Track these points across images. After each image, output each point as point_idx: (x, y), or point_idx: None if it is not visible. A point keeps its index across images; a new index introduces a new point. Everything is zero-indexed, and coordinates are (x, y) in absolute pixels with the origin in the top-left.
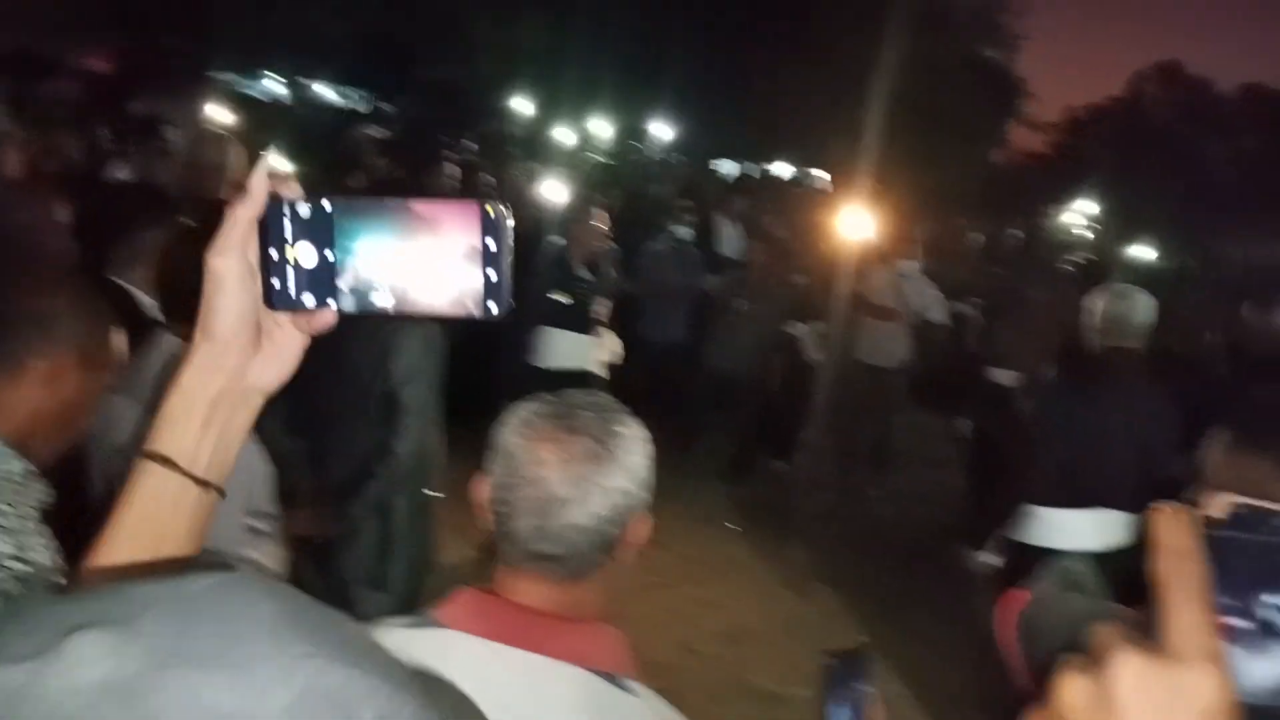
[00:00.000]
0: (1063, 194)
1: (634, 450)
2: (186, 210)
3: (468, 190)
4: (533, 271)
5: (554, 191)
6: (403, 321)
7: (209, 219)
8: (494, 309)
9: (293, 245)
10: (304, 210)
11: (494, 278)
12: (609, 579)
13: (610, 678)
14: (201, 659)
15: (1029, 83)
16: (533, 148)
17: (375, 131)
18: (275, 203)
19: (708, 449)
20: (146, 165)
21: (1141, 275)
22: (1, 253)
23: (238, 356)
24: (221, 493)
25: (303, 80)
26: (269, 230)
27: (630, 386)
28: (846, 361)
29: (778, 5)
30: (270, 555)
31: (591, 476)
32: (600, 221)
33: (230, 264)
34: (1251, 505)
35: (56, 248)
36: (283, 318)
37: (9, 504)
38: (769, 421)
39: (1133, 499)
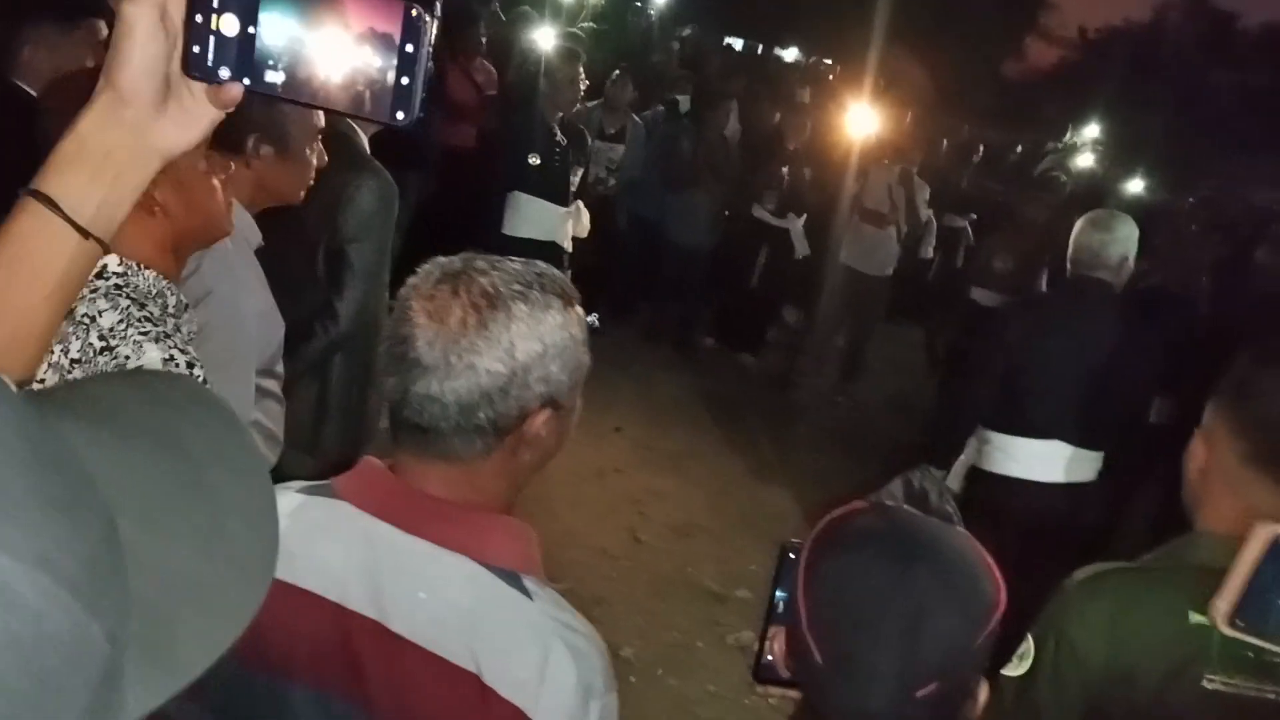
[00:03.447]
0: (1073, 114)
1: (528, 334)
2: None
3: (462, 33)
4: (513, 132)
5: (545, 41)
6: (357, 173)
7: None
8: (401, 116)
9: (219, 14)
10: None
11: (406, 83)
12: (512, 470)
13: (506, 575)
14: None
15: None
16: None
17: None
18: None
19: (674, 334)
20: None
21: (1137, 205)
22: None
23: (140, 111)
24: (105, 247)
25: None
26: None
27: (602, 266)
28: (832, 263)
29: None
30: (272, 414)
31: (459, 350)
32: (579, 76)
33: (141, 12)
34: None
35: None
36: (197, 86)
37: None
38: (742, 313)
39: (1088, 435)
